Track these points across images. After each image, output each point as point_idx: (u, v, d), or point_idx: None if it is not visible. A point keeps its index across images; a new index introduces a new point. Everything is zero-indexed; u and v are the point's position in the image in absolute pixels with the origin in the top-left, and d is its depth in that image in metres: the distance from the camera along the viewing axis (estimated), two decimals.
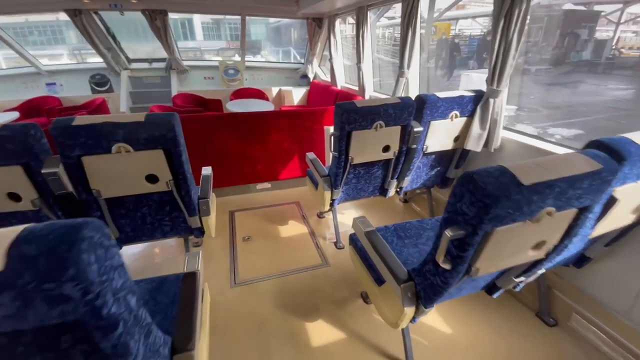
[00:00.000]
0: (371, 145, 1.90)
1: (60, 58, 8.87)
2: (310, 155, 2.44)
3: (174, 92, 5.31)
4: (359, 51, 3.52)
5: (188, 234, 1.86)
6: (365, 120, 1.78)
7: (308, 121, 3.06)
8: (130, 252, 2.31)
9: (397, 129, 1.89)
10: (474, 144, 2.04)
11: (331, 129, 3.16)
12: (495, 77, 1.87)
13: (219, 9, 4.69)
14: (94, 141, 1.34)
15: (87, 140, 1.33)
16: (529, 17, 1.72)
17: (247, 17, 5.08)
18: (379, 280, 1.39)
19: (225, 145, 2.89)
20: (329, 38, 4.50)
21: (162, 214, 1.69)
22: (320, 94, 5.09)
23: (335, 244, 2.38)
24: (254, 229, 2.62)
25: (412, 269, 1.20)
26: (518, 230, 0.89)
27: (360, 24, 3.41)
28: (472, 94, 1.99)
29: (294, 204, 3.04)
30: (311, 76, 5.93)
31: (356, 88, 4.41)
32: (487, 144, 2.04)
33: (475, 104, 2.00)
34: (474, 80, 4.92)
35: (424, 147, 2.07)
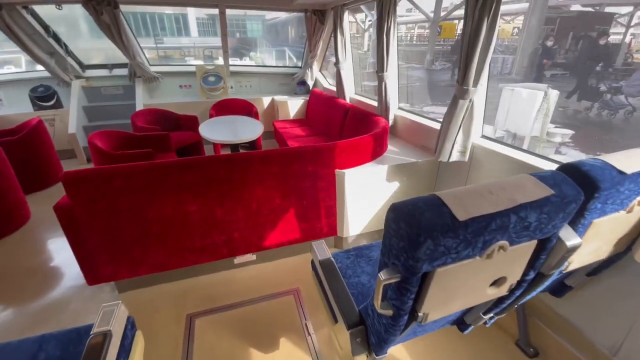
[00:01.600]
0: (470, 285, 0.83)
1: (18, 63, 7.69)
2: (319, 246, 1.37)
3: (140, 106, 4.22)
4: (383, 55, 2.45)
5: None
6: (471, 244, 0.71)
7: (311, 164, 1.99)
8: None
9: (528, 247, 0.82)
10: None
11: (346, 176, 2.11)
12: None
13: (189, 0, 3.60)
14: None
15: None
16: None
17: (237, 13, 4.00)
18: None
19: (182, 206, 1.82)
20: (334, 36, 3.43)
21: None
22: (323, 107, 4.01)
23: None
24: None
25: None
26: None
27: (384, 17, 2.34)
28: None
29: (290, 294, 1.98)
30: (310, 83, 4.86)
31: (369, 101, 3.34)
32: None
33: None
34: (523, 98, 3.85)
35: (566, 265, 1.00)
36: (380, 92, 2.59)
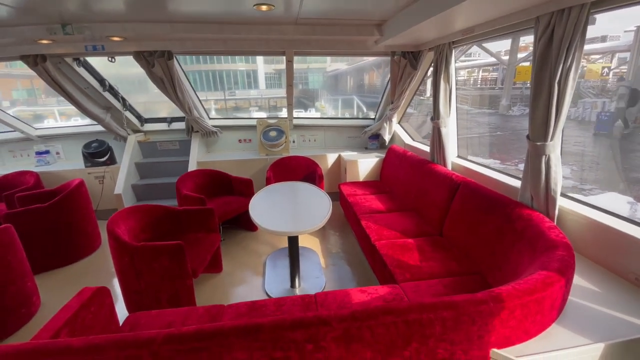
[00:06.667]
0: None
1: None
2: None
3: (193, 164, 3.71)
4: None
5: None
6: None
7: (444, 342, 0.97)
8: None
9: None
10: None
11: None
12: None
13: (253, 45, 3.05)
14: None
15: None
16: None
17: (299, 66, 3.41)
18: None
19: None
20: (435, 83, 2.52)
21: None
22: (409, 172, 3.01)
23: None
24: None
25: None
26: None
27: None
28: None
29: None
30: (387, 138, 3.96)
31: (483, 170, 2.25)
32: None
33: None
34: None
35: None
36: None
